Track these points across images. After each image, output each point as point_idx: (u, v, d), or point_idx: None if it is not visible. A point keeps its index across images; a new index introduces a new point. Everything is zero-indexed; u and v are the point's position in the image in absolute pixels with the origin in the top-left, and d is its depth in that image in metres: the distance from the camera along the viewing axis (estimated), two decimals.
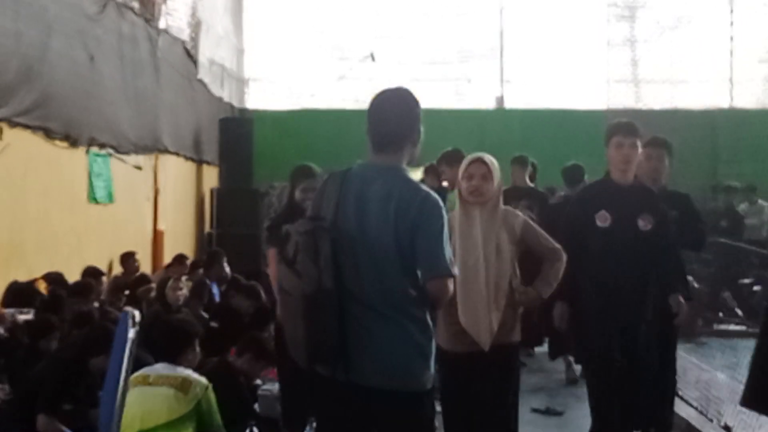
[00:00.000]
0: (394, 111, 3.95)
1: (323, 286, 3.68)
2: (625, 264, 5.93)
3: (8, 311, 7.53)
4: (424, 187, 3.89)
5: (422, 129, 3.99)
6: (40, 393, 5.88)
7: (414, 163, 4.05)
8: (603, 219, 6.02)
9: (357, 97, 20.08)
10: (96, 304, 8.47)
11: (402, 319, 3.78)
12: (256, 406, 6.91)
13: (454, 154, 8.50)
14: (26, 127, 9.35)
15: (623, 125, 6.38)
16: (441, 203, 3.84)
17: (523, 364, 10.38)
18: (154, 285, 9.53)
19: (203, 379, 5.53)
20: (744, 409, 6.97)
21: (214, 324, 8.93)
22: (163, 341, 5.77)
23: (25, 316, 7.34)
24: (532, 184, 10.87)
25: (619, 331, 5.95)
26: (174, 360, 5.62)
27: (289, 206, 7.18)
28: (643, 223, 6.05)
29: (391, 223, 3.75)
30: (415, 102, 3.99)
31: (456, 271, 3.86)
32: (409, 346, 3.78)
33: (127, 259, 11.09)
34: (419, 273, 3.77)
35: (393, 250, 3.75)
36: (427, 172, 10.62)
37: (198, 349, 5.93)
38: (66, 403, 5.94)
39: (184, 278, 10.24)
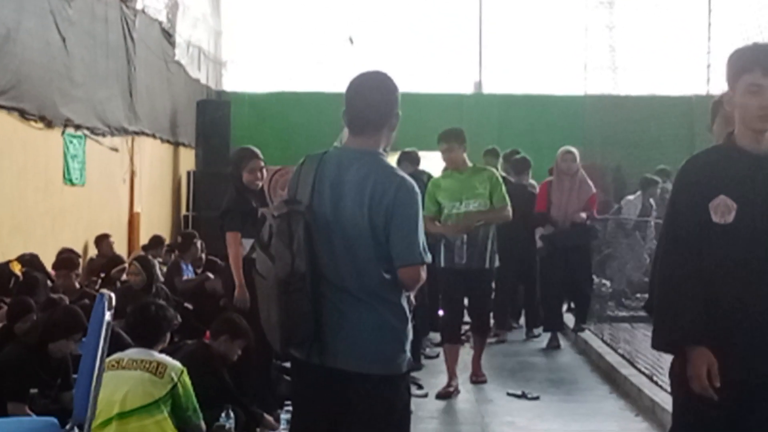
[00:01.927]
0: (372, 94, 3.92)
1: (296, 270, 3.67)
2: (758, 283, 3.74)
3: None
4: (400, 173, 3.88)
5: (400, 113, 3.97)
6: (6, 380, 5.85)
7: (389, 148, 4.04)
8: (723, 210, 3.79)
9: (335, 80, 20.03)
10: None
11: (376, 303, 3.78)
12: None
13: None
14: (0, 107, 9.29)
15: (763, 52, 3.99)
16: (416, 189, 3.83)
17: (502, 341, 10.94)
18: (126, 266, 9.49)
19: (178, 363, 5.54)
20: None
21: (188, 305, 8.92)
22: (140, 328, 5.76)
23: None
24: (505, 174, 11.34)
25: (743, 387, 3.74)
26: (149, 344, 5.62)
27: (236, 189, 7.21)
28: None
29: (366, 207, 3.74)
30: (393, 86, 3.97)
31: (428, 258, 3.85)
32: (383, 330, 3.79)
33: (102, 241, 11.04)
34: (392, 259, 3.77)
35: (368, 235, 3.74)
36: (403, 157, 10.79)
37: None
38: (31, 387, 5.92)
39: (158, 260, 10.20)
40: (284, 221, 3.73)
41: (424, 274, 3.83)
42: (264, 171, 7.30)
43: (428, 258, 3.83)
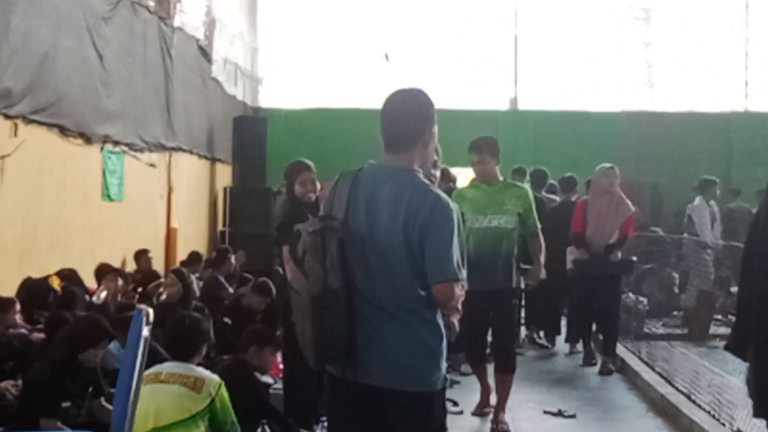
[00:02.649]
0: (405, 111, 3.92)
1: (329, 286, 3.68)
2: None
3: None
4: (436, 190, 3.87)
5: (435, 130, 3.96)
6: (37, 396, 5.88)
7: (439, 163, 4.01)
8: None
9: (370, 97, 20.10)
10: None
11: (411, 320, 3.77)
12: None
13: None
14: (41, 124, 9.39)
15: None
16: (452, 206, 3.82)
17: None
18: (162, 281, 9.55)
19: (216, 377, 5.54)
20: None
21: (227, 320, 8.95)
22: (177, 341, 5.77)
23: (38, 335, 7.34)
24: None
25: None
26: (187, 358, 5.63)
27: (291, 202, 7.22)
28: None
29: (401, 224, 3.74)
30: (428, 102, 3.97)
31: (463, 275, 3.83)
32: (418, 347, 3.78)
33: (141, 256, 11.12)
34: (427, 276, 3.76)
35: (402, 252, 3.74)
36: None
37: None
38: (64, 401, 5.95)
39: (195, 275, 10.25)
40: (318, 237, 3.74)
41: (459, 291, 3.80)
42: (316, 183, 7.27)
43: (463, 275, 3.81)
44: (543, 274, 7.89)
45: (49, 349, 6.45)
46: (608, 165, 10.35)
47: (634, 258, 10.92)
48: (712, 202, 13.13)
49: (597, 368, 10.10)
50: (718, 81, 20.05)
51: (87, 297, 8.42)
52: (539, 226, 7.85)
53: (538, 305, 11.94)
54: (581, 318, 10.62)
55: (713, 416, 7.55)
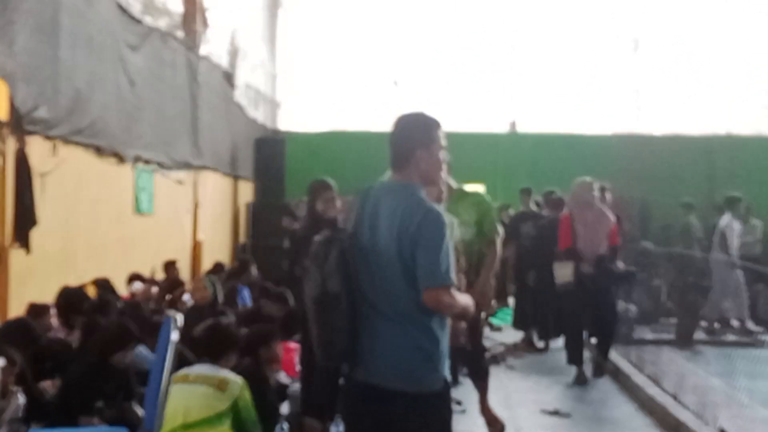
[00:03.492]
0: (404, 132, 3.98)
1: (327, 291, 3.74)
2: None
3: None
4: (428, 204, 3.87)
5: (431, 148, 3.93)
6: (74, 396, 5.90)
7: (427, 182, 4.00)
8: None
9: (381, 120, 20.15)
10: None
11: (408, 324, 3.78)
12: (285, 404, 6.90)
13: None
14: (78, 144, 9.44)
15: None
16: (442, 219, 3.81)
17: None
18: (186, 288, 9.57)
19: (239, 379, 5.54)
20: (739, 414, 6.96)
21: (244, 329, 8.87)
22: (207, 341, 5.75)
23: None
24: (536, 209, 13.21)
25: None
26: (215, 360, 5.61)
27: (311, 218, 7.22)
28: None
29: (395, 235, 3.77)
30: (423, 123, 3.99)
31: (453, 281, 3.78)
32: (414, 350, 3.78)
33: (170, 267, 11.12)
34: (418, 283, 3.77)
35: (397, 261, 3.77)
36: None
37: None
38: (98, 401, 5.97)
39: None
40: (322, 246, 3.82)
41: (446, 298, 3.73)
42: (337, 201, 7.26)
43: (453, 281, 3.78)
44: (490, 293, 7.13)
45: (84, 352, 6.48)
46: (587, 179, 9.91)
47: (633, 269, 10.66)
48: (736, 220, 13.04)
49: (590, 371, 9.80)
50: (701, 106, 20.05)
51: (119, 304, 8.45)
52: (499, 231, 7.17)
53: (527, 309, 12.04)
54: (577, 334, 9.92)
55: (698, 416, 7.53)
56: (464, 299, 3.91)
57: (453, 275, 3.78)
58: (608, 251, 9.70)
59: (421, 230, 3.74)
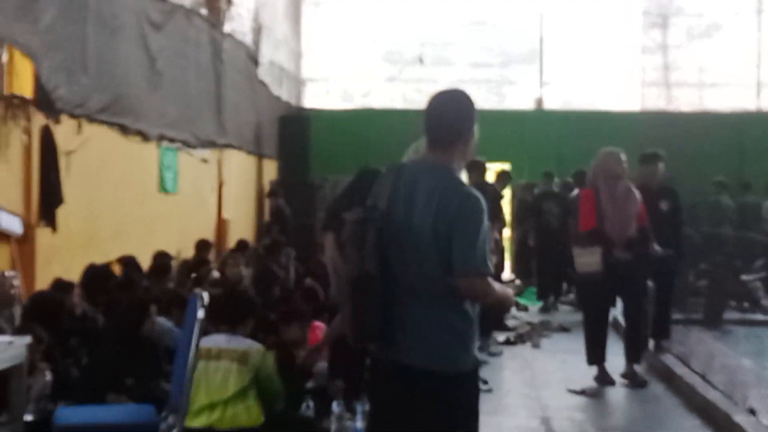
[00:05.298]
0: (447, 111, 3.89)
1: (366, 272, 3.69)
2: None
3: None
4: (468, 187, 3.81)
5: (476, 130, 3.94)
6: (104, 373, 5.96)
7: (463, 162, 3.97)
8: None
9: (406, 97, 20.12)
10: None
11: (441, 306, 3.75)
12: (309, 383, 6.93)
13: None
14: (103, 123, 9.49)
15: None
16: (482, 204, 3.75)
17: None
18: (213, 266, 9.61)
19: (259, 346, 5.55)
20: None
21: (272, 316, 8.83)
22: (225, 308, 5.77)
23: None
24: (556, 189, 13.99)
25: None
26: (233, 326, 5.63)
27: (346, 196, 7.17)
28: None
29: (432, 218, 3.71)
30: (470, 103, 3.93)
31: (490, 270, 3.74)
32: (447, 331, 3.76)
33: (201, 246, 11.09)
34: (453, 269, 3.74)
35: (432, 243, 3.71)
36: (471, 168, 10.66)
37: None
38: (127, 378, 6.02)
39: (242, 266, 10.29)
40: (358, 226, 3.76)
41: (480, 286, 3.69)
42: None
43: (490, 269, 3.74)
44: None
45: (110, 331, 6.55)
46: (614, 148, 8.62)
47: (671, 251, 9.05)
48: None
49: (623, 379, 8.51)
50: (731, 82, 19.87)
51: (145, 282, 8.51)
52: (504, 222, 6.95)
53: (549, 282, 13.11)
54: (601, 332, 8.61)
55: (727, 396, 7.50)
56: (502, 290, 3.87)
57: (489, 264, 3.74)
58: (638, 233, 8.36)
59: (460, 215, 3.68)
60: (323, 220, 7.32)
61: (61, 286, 7.31)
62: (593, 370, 8.68)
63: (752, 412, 6.93)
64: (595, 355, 8.52)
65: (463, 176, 4.02)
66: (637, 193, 8.41)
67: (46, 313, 6.60)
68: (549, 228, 13.19)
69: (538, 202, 13.89)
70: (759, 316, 12.22)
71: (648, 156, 9.32)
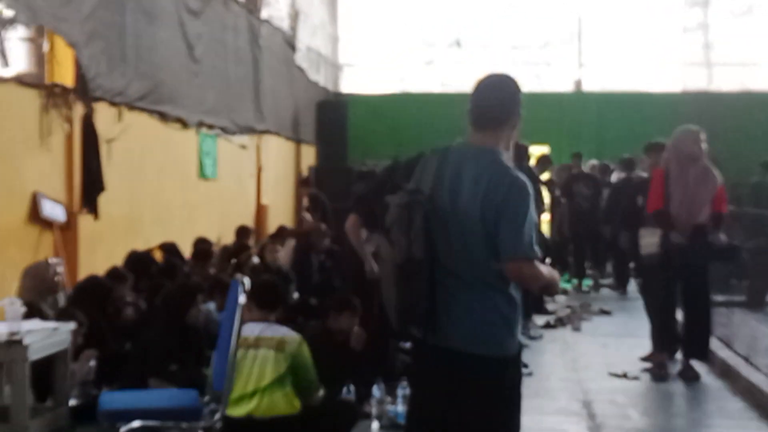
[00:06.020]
0: (494, 94, 3.89)
1: (413, 256, 3.68)
2: None
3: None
4: (515, 172, 3.79)
5: (522, 113, 3.93)
6: (149, 358, 6.02)
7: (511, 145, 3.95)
8: None
9: (443, 81, 20.05)
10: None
11: (487, 290, 3.75)
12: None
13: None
14: (143, 110, 9.57)
15: None
16: (529, 189, 3.74)
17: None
18: (253, 252, 9.66)
19: (296, 335, 5.58)
20: None
21: (313, 301, 8.83)
22: (259, 295, 5.81)
23: None
24: (586, 171, 14.27)
25: None
26: (268, 313, 5.67)
27: (382, 184, 7.18)
28: None
29: (479, 202, 3.70)
30: (517, 88, 3.93)
31: (538, 254, 3.72)
32: (493, 315, 3.76)
33: (242, 232, 11.12)
34: (500, 253, 3.73)
35: (479, 228, 3.70)
36: (513, 152, 10.67)
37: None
38: (172, 364, 6.08)
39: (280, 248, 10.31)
40: (405, 210, 3.74)
41: (528, 270, 3.69)
42: None
43: (537, 254, 3.72)
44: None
45: (156, 315, 6.62)
46: (693, 127, 8.06)
47: (737, 242, 8.75)
48: None
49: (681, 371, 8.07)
50: None
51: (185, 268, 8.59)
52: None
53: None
54: (665, 318, 8.17)
55: None
56: (550, 273, 3.83)
57: (537, 248, 3.72)
58: (711, 219, 7.82)
59: (508, 200, 3.67)
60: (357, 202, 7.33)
61: (115, 274, 7.36)
62: (635, 353, 8.63)
63: None
64: (661, 343, 8.14)
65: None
66: (718, 177, 7.88)
67: (92, 297, 6.69)
68: (580, 209, 13.38)
69: (569, 184, 13.87)
70: None
71: (652, 145, 8.94)
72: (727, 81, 19.72)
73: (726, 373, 8.06)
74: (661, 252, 7.79)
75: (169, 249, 9.06)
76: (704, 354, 8.07)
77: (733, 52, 19.63)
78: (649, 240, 7.93)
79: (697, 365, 8.12)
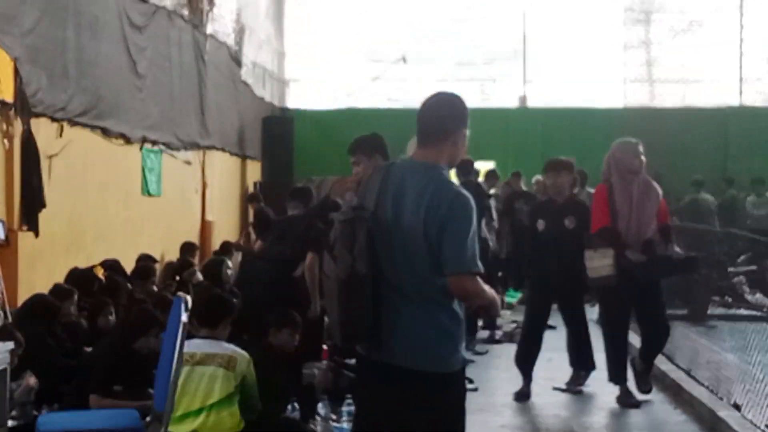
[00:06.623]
0: (438, 111, 3.93)
1: (356, 272, 3.69)
2: None
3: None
4: (457, 187, 3.84)
5: (468, 132, 3.96)
6: (92, 375, 5.94)
7: (455, 162, 3.99)
8: None
9: (390, 96, 20.12)
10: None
11: (431, 306, 3.76)
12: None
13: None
14: (85, 126, 9.46)
15: None
16: (471, 203, 3.77)
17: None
18: (197, 269, 9.59)
19: (246, 354, 5.54)
20: (752, 389, 6.97)
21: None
22: (204, 310, 5.75)
23: None
24: (525, 188, 14.13)
25: None
26: (213, 328, 5.60)
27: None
28: None
29: (422, 217, 3.72)
30: (462, 105, 3.98)
31: (480, 269, 3.75)
32: (437, 332, 3.77)
33: (188, 249, 11.03)
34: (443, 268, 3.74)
35: (423, 244, 3.73)
36: (460, 167, 10.83)
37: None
38: (116, 384, 6.00)
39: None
40: (348, 226, 3.76)
41: (471, 285, 3.71)
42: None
43: (480, 269, 3.75)
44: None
45: (105, 336, 6.54)
46: (632, 139, 7.78)
47: (694, 253, 8.69)
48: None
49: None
50: (714, 77, 19.96)
51: (129, 285, 8.49)
52: None
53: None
54: (621, 344, 7.81)
55: (712, 391, 7.54)
56: (491, 291, 3.85)
57: (479, 263, 3.75)
58: (659, 233, 7.55)
59: (451, 214, 3.70)
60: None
61: (60, 291, 7.23)
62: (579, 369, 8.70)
63: (737, 407, 6.97)
64: (619, 374, 7.74)
65: (452, 175, 4.04)
66: (659, 189, 7.64)
67: (40, 315, 6.57)
68: (521, 225, 13.47)
69: (510, 202, 13.92)
70: (743, 311, 12.27)
71: (554, 164, 8.24)
72: (669, 97, 20.06)
73: (668, 386, 8.16)
74: (617, 273, 7.30)
75: (112, 266, 8.95)
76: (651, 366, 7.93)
77: (674, 69, 19.97)
78: (600, 262, 7.39)
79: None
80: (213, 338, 5.57)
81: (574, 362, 8.46)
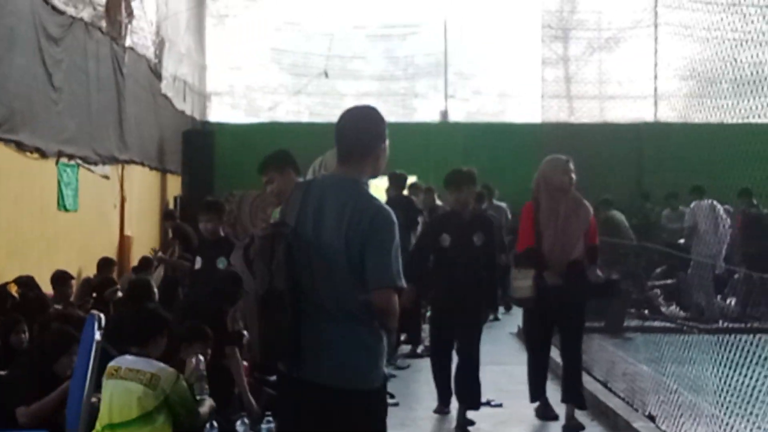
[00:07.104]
0: (357, 126, 3.92)
1: (274, 288, 3.66)
2: None
3: None
4: (378, 202, 3.83)
5: (386, 145, 3.96)
6: (15, 396, 5.79)
7: (376, 175, 3.99)
8: None
9: (312, 110, 20.12)
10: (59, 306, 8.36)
11: (352, 322, 3.74)
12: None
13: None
14: None
15: None
16: (393, 217, 3.77)
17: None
18: (119, 287, 9.41)
19: (172, 371, 5.41)
20: (666, 400, 7.11)
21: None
22: (133, 327, 5.62)
23: None
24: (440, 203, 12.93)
25: None
26: (144, 345, 5.49)
27: None
28: None
29: (344, 233, 3.71)
30: (380, 118, 3.97)
31: (403, 284, 3.74)
32: (358, 348, 3.76)
33: (104, 265, 10.82)
34: (367, 283, 3.74)
35: (344, 259, 3.71)
36: (390, 181, 10.94)
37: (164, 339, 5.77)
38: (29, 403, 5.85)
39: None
40: (267, 242, 3.73)
41: (395, 300, 3.68)
42: None
43: (402, 284, 3.74)
44: None
45: (21, 355, 6.38)
46: (562, 156, 7.65)
47: (616, 276, 8.48)
48: None
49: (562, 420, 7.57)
50: (629, 94, 20.40)
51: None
52: None
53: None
54: (540, 365, 7.79)
55: (627, 402, 7.67)
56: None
57: (402, 277, 3.73)
58: (586, 254, 7.39)
59: (373, 229, 3.69)
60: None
61: None
62: (499, 382, 8.77)
63: (651, 418, 7.10)
64: (537, 391, 7.74)
65: (382, 190, 4.04)
66: (589, 207, 7.50)
67: None
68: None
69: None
70: (657, 323, 12.52)
71: (455, 179, 7.72)
72: (586, 112, 20.42)
73: (585, 397, 8.25)
74: (536, 295, 7.21)
75: (26, 283, 8.73)
76: (581, 397, 7.59)
77: (592, 86, 20.35)
78: (522, 283, 7.29)
79: (554, 387, 8.26)
80: (144, 356, 5.44)
81: (458, 396, 7.76)
